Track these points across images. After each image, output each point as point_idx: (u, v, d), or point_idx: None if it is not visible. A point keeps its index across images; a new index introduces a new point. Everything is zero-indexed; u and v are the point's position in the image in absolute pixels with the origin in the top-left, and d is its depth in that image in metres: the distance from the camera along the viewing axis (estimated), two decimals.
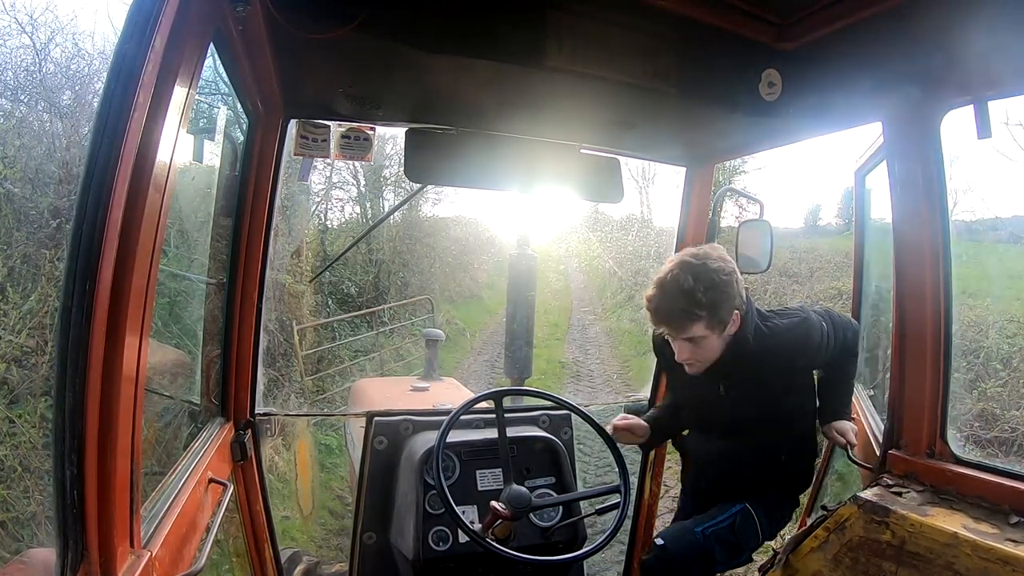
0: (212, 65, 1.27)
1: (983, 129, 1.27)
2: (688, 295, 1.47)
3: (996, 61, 1.20)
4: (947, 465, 1.31)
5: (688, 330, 1.51)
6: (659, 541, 1.64)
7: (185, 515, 1.10)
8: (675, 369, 1.68)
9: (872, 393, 2.03)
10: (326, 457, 5.66)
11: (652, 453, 2.21)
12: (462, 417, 1.59)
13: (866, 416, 1.80)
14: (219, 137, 1.76)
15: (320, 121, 1.63)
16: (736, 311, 1.54)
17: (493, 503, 1.44)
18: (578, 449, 2.14)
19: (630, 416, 1.80)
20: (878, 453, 1.47)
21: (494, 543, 1.42)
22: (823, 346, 1.60)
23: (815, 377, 1.72)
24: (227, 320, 1.64)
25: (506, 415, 1.60)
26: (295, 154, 1.64)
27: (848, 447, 1.63)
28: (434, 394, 3.25)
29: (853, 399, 1.75)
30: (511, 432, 1.67)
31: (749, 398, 1.64)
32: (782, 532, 1.83)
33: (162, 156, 0.78)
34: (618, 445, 1.72)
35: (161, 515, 1.03)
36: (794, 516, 1.86)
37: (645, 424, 1.79)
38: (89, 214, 0.68)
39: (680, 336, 1.54)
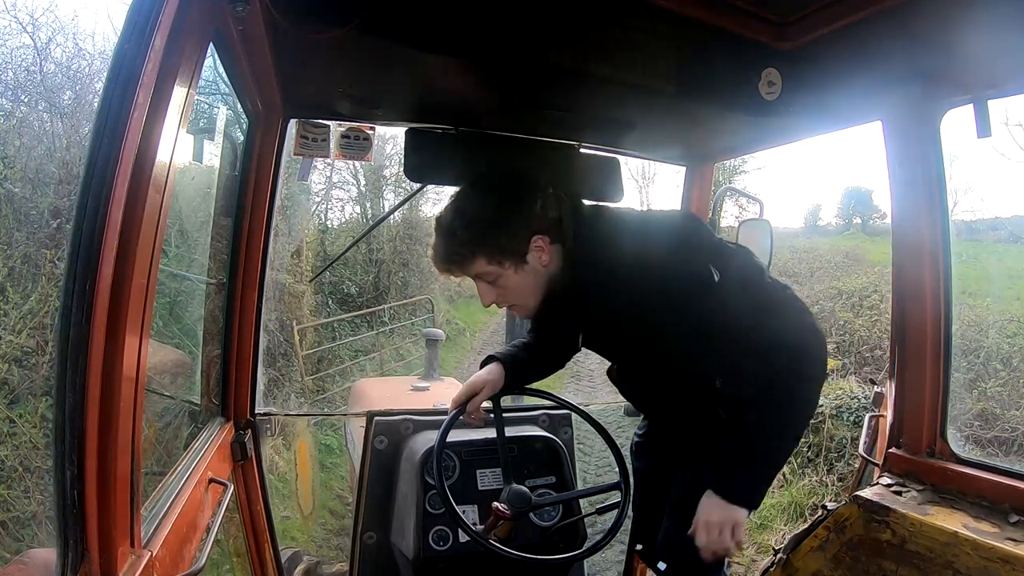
0: (212, 65, 1.27)
1: (983, 128, 1.27)
2: (449, 231, 1.26)
3: (996, 61, 1.20)
4: (947, 464, 1.31)
5: (467, 269, 1.27)
6: (661, 566, 1.40)
7: (185, 515, 1.10)
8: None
9: None
10: (326, 457, 5.66)
11: None
12: (462, 417, 1.59)
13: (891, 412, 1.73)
14: (219, 137, 1.76)
15: (320, 121, 1.62)
16: (537, 235, 1.24)
17: (495, 503, 1.44)
18: (578, 449, 2.14)
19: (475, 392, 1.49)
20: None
21: (495, 543, 1.42)
22: (674, 280, 1.14)
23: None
24: (227, 320, 1.64)
25: (505, 414, 1.60)
26: (295, 154, 1.64)
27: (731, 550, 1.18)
28: (434, 394, 3.24)
29: (886, 392, 1.47)
30: (511, 431, 1.67)
31: (617, 348, 1.34)
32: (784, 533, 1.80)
33: (162, 156, 0.78)
34: (618, 444, 1.71)
35: (161, 515, 1.02)
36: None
37: (497, 374, 1.50)
38: (89, 214, 0.68)
39: (467, 277, 1.30)
